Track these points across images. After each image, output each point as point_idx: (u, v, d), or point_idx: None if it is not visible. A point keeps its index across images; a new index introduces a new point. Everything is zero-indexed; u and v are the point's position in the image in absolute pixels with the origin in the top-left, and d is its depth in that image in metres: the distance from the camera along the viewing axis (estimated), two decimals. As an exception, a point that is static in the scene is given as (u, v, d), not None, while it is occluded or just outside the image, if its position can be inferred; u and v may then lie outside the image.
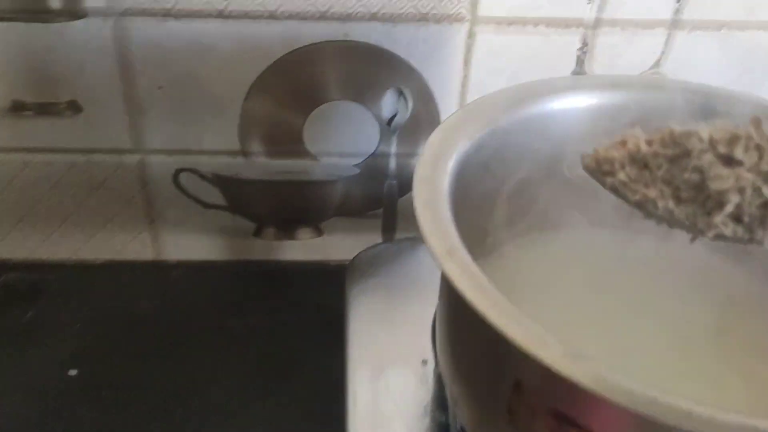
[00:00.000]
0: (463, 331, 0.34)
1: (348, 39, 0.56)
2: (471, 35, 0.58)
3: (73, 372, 0.58)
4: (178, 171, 0.65)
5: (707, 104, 0.46)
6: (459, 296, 0.33)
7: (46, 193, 0.65)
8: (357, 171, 0.66)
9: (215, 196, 0.67)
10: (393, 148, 0.65)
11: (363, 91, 0.60)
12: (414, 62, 0.59)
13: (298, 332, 0.64)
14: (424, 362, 0.46)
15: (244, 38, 0.55)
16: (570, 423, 0.29)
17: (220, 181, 0.66)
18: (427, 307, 0.51)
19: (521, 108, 0.44)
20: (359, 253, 0.57)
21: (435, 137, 0.36)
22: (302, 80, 0.59)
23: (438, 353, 0.40)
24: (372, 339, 0.49)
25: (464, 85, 0.61)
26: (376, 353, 0.48)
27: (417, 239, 0.60)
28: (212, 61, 0.57)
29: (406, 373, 0.46)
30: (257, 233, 0.70)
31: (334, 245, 0.71)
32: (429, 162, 0.35)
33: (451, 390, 0.38)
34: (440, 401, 0.44)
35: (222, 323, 0.64)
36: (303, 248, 0.71)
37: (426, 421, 0.42)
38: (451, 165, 0.36)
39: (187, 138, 0.62)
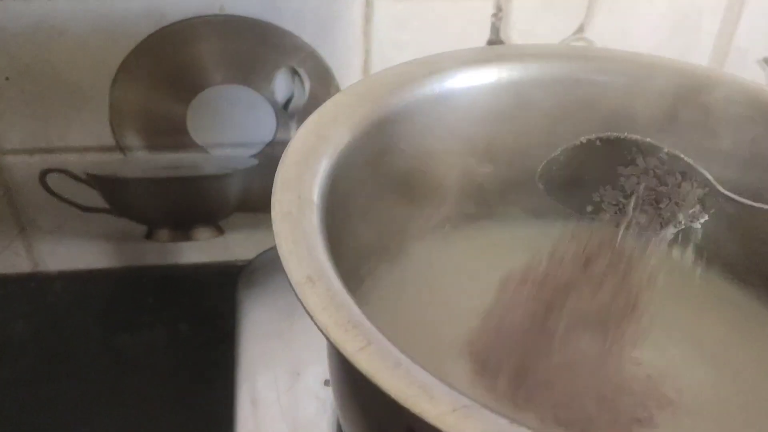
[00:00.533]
0: (342, 376, 0.28)
1: (224, 13, 0.49)
2: (369, 4, 0.51)
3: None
4: (45, 172, 0.56)
5: (634, 74, 0.41)
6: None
7: None
8: (255, 162, 0.59)
9: (94, 197, 0.59)
10: (293, 135, 0.58)
11: (250, 73, 0.53)
12: (306, 37, 0.52)
13: (200, 347, 0.57)
14: (326, 383, 0.40)
15: (100, 17, 0.47)
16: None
17: (96, 181, 0.58)
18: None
19: (422, 86, 0.37)
20: (252, 259, 0.51)
21: (304, 130, 0.30)
22: (176, 63, 0.51)
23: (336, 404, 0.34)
24: (266, 356, 0.42)
25: (366, 61, 0.54)
26: (271, 372, 0.41)
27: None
28: (66, 45, 0.48)
29: (305, 396, 0.40)
30: (149, 236, 0.62)
31: (237, 244, 0.64)
32: (294, 163, 0.28)
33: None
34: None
35: (110, 342, 0.57)
36: (203, 249, 0.64)
37: None
38: (324, 165, 0.29)
39: (50, 134, 0.53)
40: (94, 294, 0.61)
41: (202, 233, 0.63)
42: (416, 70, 0.38)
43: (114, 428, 0.51)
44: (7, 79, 0.49)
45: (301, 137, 0.30)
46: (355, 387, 0.27)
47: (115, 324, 0.59)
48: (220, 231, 0.63)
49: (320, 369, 0.42)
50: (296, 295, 0.24)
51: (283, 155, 0.29)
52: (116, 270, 0.63)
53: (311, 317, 0.23)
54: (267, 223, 0.63)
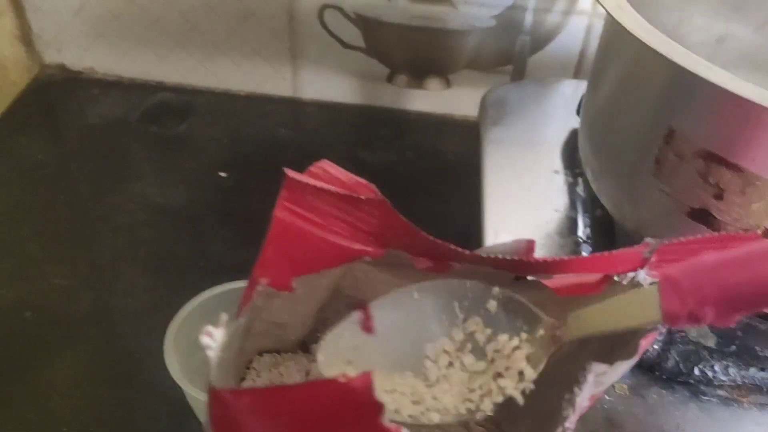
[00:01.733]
0: (623, 90, 0.37)
1: None
2: None
3: (223, 174, 0.64)
4: (324, 6, 0.69)
5: None
6: (628, 46, 0.36)
7: (203, 19, 0.71)
8: (493, 23, 0.69)
9: (356, 37, 0.71)
10: (531, 2, 0.67)
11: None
12: None
13: (423, 170, 0.69)
14: (556, 171, 0.50)
15: None
16: (719, 162, 0.32)
17: (362, 21, 0.70)
18: (556, 134, 0.54)
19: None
20: (491, 88, 0.60)
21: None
22: None
23: (582, 141, 0.44)
24: (506, 156, 0.52)
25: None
26: (511, 165, 0.51)
27: (545, 80, 0.64)
28: None
29: (539, 181, 0.50)
30: (390, 79, 0.74)
31: (460, 98, 0.74)
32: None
33: (593, 168, 0.41)
34: (570, 203, 0.47)
35: (353, 154, 0.69)
36: (430, 99, 0.75)
37: (558, 216, 0.46)
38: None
39: (339, -29, 0.66)
40: (338, 121, 0.74)
41: (433, 84, 0.74)
42: None
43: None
44: None
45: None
46: (628, 102, 0.36)
47: (355, 142, 0.71)
48: (448, 84, 0.74)
49: (550, 163, 0.51)
50: (610, 15, 0.33)
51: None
52: (357, 106, 0.76)
53: (622, 26, 0.32)
54: (490, 82, 0.72)
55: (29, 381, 0.46)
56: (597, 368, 0.23)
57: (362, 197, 0.24)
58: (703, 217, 0.34)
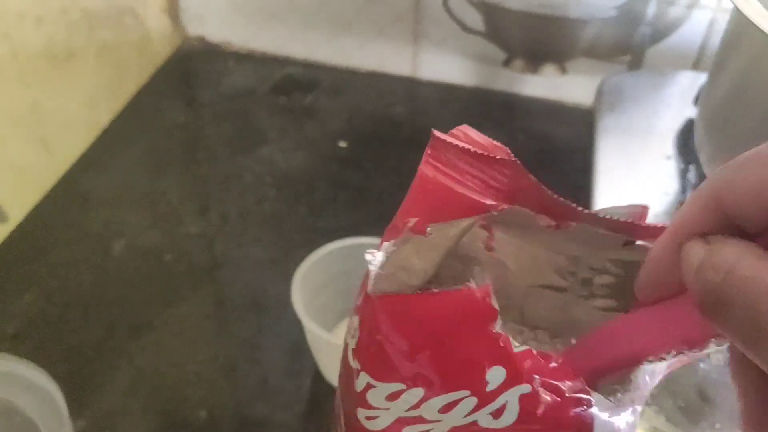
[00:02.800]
0: (744, 78, 0.38)
1: None
2: None
3: (342, 144, 0.69)
4: (450, -9, 0.72)
5: None
6: (753, 39, 0.37)
7: (333, -1, 0.75)
8: (614, 13, 0.70)
9: (476, 21, 0.73)
10: (654, -7, 0.67)
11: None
12: None
13: (533, 151, 0.71)
14: (668, 158, 0.51)
15: None
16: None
17: (484, 6, 0.72)
18: (670, 122, 0.55)
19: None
20: (609, 76, 0.62)
21: None
22: None
23: (698, 125, 0.45)
24: (620, 142, 0.54)
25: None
26: (624, 150, 0.53)
27: (663, 70, 0.64)
28: None
29: (650, 165, 0.51)
30: (506, 63, 0.76)
31: (574, 86, 0.75)
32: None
33: (708, 151, 0.42)
34: (681, 188, 0.48)
35: (465, 133, 0.72)
36: (544, 85, 0.76)
37: (668, 199, 0.47)
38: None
39: (466, -43, 0.68)
40: (452, 101, 0.77)
41: (548, 70, 0.76)
42: None
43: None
44: None
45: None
46: (752, 80, 0.37)
47: (467, 121, 0.73)
48: (564, 71, 0.75)
49: (662, 150, 0.52)
50: (737, 9, 0.34)
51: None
52: (472, 88, 0.78)
53: (748, 18, 0.33)
54: (606, 72, 0.73)
55: (168, 314, 0.52)
56: None
57: (497, 157, 0.27)
58: None
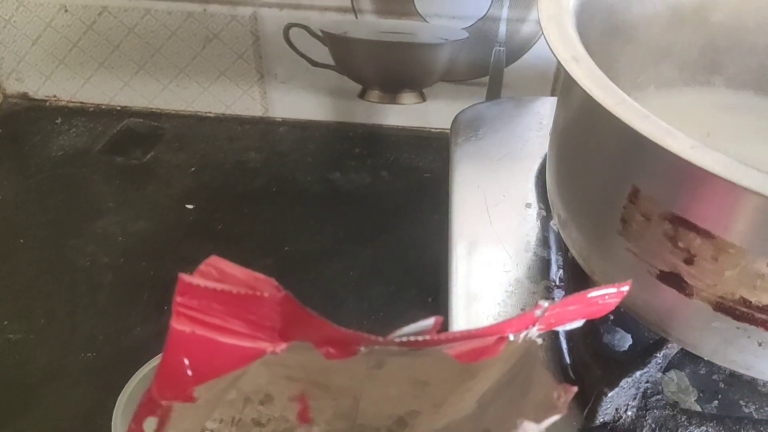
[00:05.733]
0: (583, 143, 0.35)
1: None
2: None
3: (189, 206, 0.62)
4: (289, 26, 0.66)
5: None
6: (583, 101, 0.34)
7: (165, 43, 0.68)
8: (466, 35, 0.66)
9: (324, 55, 0.68)
10: (504, 12, 0.64)
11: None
12: None
13: (398, 190, 0.66)
14: (528, 205, 0.47)
15: None
16: (688, 226, 0.29)
17: (329, 38, 0.67)
18: (529, 160, 0.52)
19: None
20: (464, 109, 0.58)
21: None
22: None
23: (549, 182, 0.41)
24: (476, 185, 0.50)
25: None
26: (480, 197, 0.49)
27: (520, 99, 0.61)
28: None
29: (510, 214, 0.47)
30: (362, 95, 0.71)
31: (436, 111, 0.71)
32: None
33: (560, 215, 0.39)
34: (543, 240, 0.45)
35: (325, 176, 0.67)
36: (405, 113, 0.72)
37: (529, 256, 0.44)
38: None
39: (301, -10, 0.63)
40: (311, 139, 0.71)
41: (407, 98, 0.71)
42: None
43: (327, 239, 0.60)
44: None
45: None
46: (590, 157, 0.34)
47: (328, 163, 0.68)
48: (423, 98, 0.71)
49: (521, 195, 0.49)
50: (564, 68, 0.30)
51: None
52: (330, 123, 0.73)
53: (579, 84, 0.29)
54: (466, 95, 0.70)
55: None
56: (528, 427, 0.22)
57: (265, 295, 0.23)
58: (674, 280, 0.31)
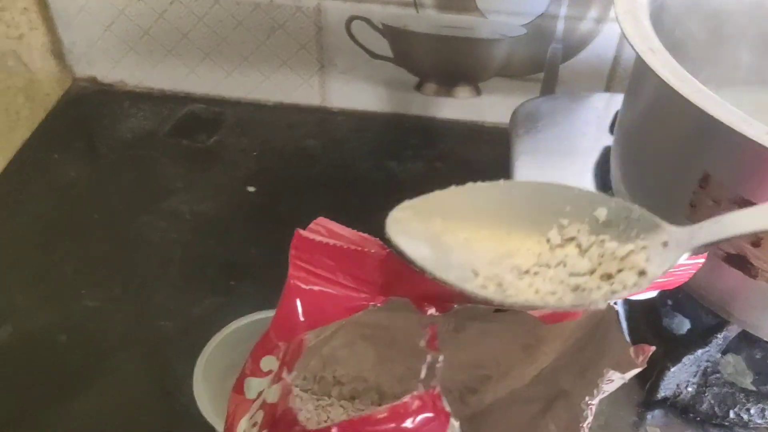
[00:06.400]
0: (654, 132, 0.36)
1: None
2: None
3: (251, 188, 0.65)
4: (352, 18, 0.68)
5: None
6: (658, 91, 0.35)
7: (231, 32, 0.71)
8: (524, 32, 0.68)
9: (383, 47, 0.70)
10: (563, 10, 0.65)
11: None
12: None
13: (452, 180, 0.68)
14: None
15: None
16: (755, 209, 0.31)
17: (389, 31, 0.69)
18: (588, 153, 0.53)
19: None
20: (523, 102, 0.59)
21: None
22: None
23: (614, 171, 0.43)
24: (535, 174, 0.51)
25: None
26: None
27: (577, 94, 0.62)
28: None
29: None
30: (418, 87, 0.73)
31: (490, 106, 0.73)
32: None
33: (625, 199, 0.40)
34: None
35: (381, 164, 0.69)
36: (460, 107, 0.74)
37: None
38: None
39: (366, -16, 0.65)
40: (367, 129, 0.74)
41: (463, 92, 0.73)
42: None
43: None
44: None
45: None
46: (661, 143, 0.35)
47: (384, 152, 0.71)
48: (478, 92, 0.73)
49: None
50: (641, 59, 0.32)
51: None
52: (386, 114, 0.75)
53: (656, 73, 0.31)
54: (521, 90, 0.71)
55: (63, 405, 0.47)
56: (614, 375, 0.23)
57: (371, 251, 0.25)
58: (739, 262, 0.33)
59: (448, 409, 0.21)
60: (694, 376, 0.36)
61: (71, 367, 0.49)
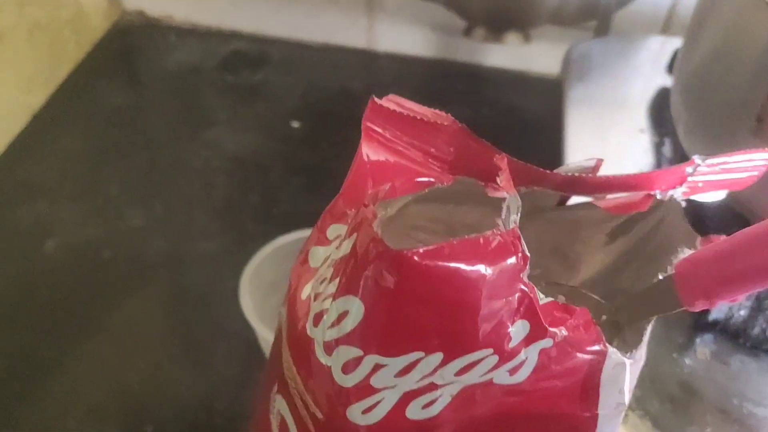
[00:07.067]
0: (725, 46, 0.35)
1: None
2: None
3: (295, 124, 0.64)
4: (405, -44, 0.67)
5: None
6: (734, 5, 0.34)
7: (281, -32, 0.70)
8: (578, -24, 0.66)
9: (434, -12, 0.69)
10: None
11: None
12: None
13: (499, 126, 0.67)
14: (642, 131, 0.48)
15: None
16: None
17: (441, -29, 0.68)
18: (643, 91, 0.52)
19: None
20: (577, 43, 0.58)
21: None
22: None
23: (674, 96, 0.42)
24: (590, 106, 0.50)
25: None
26: (596, 119, 0.49)
27: (631, 36, 0.61)
28: None
29: (623, 139, 0.48)
30: (467, 32, 0.72)
31: (540, 54, 0.72)
32: None
33: (686, 124, 0.39)
34: (657, 163, 0.45)
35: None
36: (509, 54, 0.73)
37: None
38: None
39: None
40: (413, 73, 0.73)
41: (512, 38, 0.72)
42: None
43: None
44: None
45: None
46: (731, 49, 0.34)
47: (430, 96, 0.69)
48: (528, 38, 0.71)
49: (635, 122, 0.49)
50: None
51: None
52: (433, 59, 0.74)
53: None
54: (571, 38, 0.69)
55: (106, 317, 0.47)
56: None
57: (445, 123, 0.24)
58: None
59: (527, 253, 0.20)
60: (748, 299, 0.35)
61: (114, 280, 0.50)
